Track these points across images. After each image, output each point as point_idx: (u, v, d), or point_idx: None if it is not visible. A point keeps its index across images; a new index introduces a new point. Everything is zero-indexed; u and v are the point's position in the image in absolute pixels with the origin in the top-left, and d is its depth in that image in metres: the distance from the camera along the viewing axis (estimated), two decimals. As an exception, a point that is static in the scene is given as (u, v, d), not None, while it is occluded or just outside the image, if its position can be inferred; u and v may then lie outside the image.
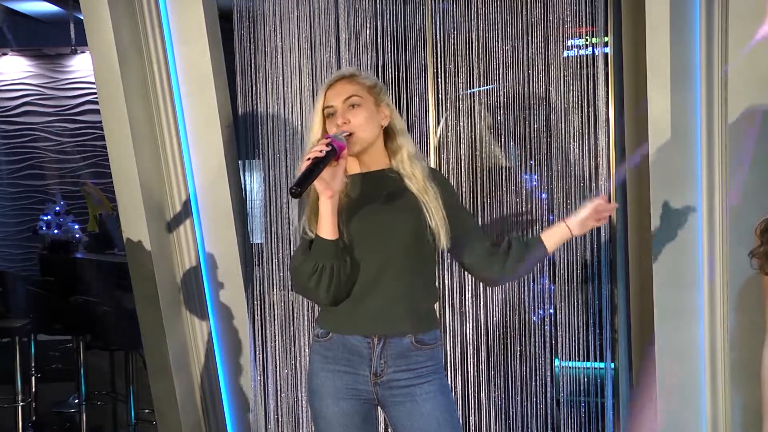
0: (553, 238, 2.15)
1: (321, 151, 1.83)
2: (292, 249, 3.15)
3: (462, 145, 3.08)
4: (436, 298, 2.11)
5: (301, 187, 1.80)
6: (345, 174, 1.93)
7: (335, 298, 1.96)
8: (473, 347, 3.11)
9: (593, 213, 2.14)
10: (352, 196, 1.99)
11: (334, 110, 2.00)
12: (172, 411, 3.25)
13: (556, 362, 3.05)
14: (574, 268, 2.99)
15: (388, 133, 2.08)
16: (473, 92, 3.07)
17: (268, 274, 3.21)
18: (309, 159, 1.83)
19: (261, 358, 3.26)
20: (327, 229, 1.89)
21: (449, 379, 3.09)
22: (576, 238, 2.95)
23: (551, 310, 3.04)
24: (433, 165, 3.10)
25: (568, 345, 3.01)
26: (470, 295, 3.07)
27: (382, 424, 2.95)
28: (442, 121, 3.10)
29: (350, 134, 1.96)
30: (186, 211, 3.24)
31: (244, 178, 3.29)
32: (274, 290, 3.21)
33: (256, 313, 3.23)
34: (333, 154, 1.85)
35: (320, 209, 1.89)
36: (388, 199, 2.02)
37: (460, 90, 3.07)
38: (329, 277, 1.90)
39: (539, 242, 2.14)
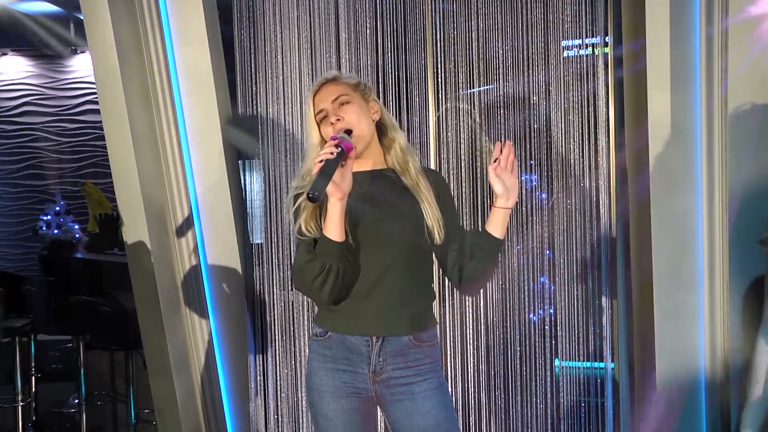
0: (491, 223, 2.00)
1: (332, 153, 1.83)
2: (292, 249, 3.15)
3: (462, 145, 3.08)
4: (434, 297, 2.11)
5: (319, 191, 1.78)
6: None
7: (337, 298, 1.96)
8: (473, 347, 3.11)
9: (498, 176, 1.98)
10: (353, 196, 1.98)
11: (326, 112, 2.03)
12: (172, 411, 3.25)
13: (556, 362, 3.05)
14: (574, 268, 2.99)
15: (380, 129, 2.10)
16: (473, 92, 3.07)
17: (268, 274, 3.21)
18: (321, 161, 1.82)
19: (261, 358, 3.26)
20: (335, 230, 1.88)
21: (449, 379, 3.09)
22: (576, 237, 2.96)
23: (551, 310, 3.04)
24: (433, 165, 3.10)
25: (568, 345, 3.01)
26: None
27: (382, 424, 2.95)
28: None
29: (350, 131, 1.97)
30: (186, 211, 3.24)
31: (244, 178, 3.29)
32: (274, 290, 3.21)
33: (256, 313, 3.23)
34: (343, 155, 1.85)
35: (329, 211, 1.88)
36: (388, 200, 2.02)
37: (460, 90, 3.07)
38: (334, 279, 1.90)
39: (483, 232, 2.02)
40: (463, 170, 3.08)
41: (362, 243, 1.97)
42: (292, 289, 3.20)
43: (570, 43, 2.97)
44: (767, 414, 2.32)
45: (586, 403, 3.02)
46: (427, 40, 3.07)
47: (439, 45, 3.07)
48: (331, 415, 2.00)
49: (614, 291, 3.00)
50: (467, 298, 3.07)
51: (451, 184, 3.03)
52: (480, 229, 2.04)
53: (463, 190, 3.07)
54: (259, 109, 3.16)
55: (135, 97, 3.11)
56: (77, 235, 5.72)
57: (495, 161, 1.98)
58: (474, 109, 3.07)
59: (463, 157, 3.08)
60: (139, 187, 3.09)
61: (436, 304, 2.12)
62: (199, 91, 3.15)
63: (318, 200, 1.79)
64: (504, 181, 1.98)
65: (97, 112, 5.96)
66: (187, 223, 3.24)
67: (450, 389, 3.05)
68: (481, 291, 3.05)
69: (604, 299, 2.97)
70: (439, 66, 3.07)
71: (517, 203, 3.02)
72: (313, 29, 3.11)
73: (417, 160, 2.11)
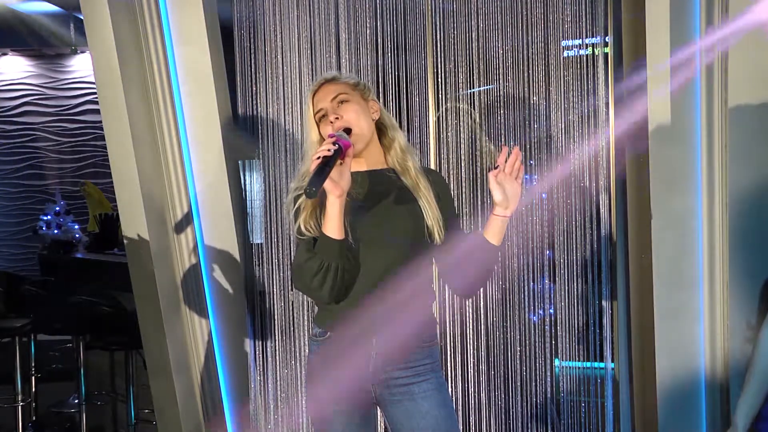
0: (489, 230, 1.99)
1: (329, 150, 1.82)
2: (292, 249, 3.15)
3: (462, 145, 3.08)
4: (434, 297, 2.11)
5: (316, 186, 1.77)
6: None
7: (337, 298, 1.95)
8: (473, 347, 3.11)
9: (499, 183, 1.94)
10: (353, 195, 1.98)
11: (325, 111, 2.03)
12: (172, 411, 3.25)
13: (556, 362, 3.05)
14: (574, 268, 2.99)
15: (380, 129, 2.11)
16: (473, 92, 3.07)
17: (268, 274, 3.21)
18: (318, 158, 1.81)
19: (261, 358, 3.26)
20: (334, 228, 1.87)
21: (449, 379, 3.09)
22: (576, 237, 2.96)
23: (551, 310, 3.04)
24: (433, 165, 3.10)
25: (568, 345, 3.01)
26: (470, 295, 3.06)
27: (382, 424, 2.95)
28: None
29: (349, 130, 1.97)
30: (186, 211, 3.24)
31: (244, 178, 3.29)
32: (274, 290, 3.21)
33: (256, 313, 3.23)
34: (340, 152, 1.85)
35: (327, 209, 1.87)
36: (389, 200, 2.02)
37: (460, 90, 3.07)
38: (333, 277, 1.89)
39: (481, 238, 2.00)
40: (463, 170, 3.08)
41: (362, 243, 1.96)
42: (292, 289, 3.20)
43: (570, 43, 2.96)
44: (760, 404, 2.33)
45: (586, 403, 3.02)
46: (427, 40, 3.07)
47: (439, 45, 3.06)
48: (330, 417, 2.00)
49: (614, 291, 3.00)
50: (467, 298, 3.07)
51: (451, 184, 3.03)
52: (479, 233, 2.03)
53: (463, 190, 3.07)
54: (259, 109, 3.16)
55: (135, 97, 3.11)
56: (77, 235, 5.72)
57: (496, 167, 1.96)
58: (474, 109, 3.07)
59: (463, 157, 3.08)
60: (139, 187, 3.09)
61: (436, 304, 2.12)
62: (199, 91, 3.15)
63: (315, 196, 1.77)
64: (505, 189, 1.95)
65: (97, 112, 5.96)
66: (187, 223, 3.24)
67: (450, 389, 3.05)
68: (480, 291, 3.05)
69: (604, 299, 2.97)
70: (439, 66, 3.07)
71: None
72: (313, 29, 3.11)
73: (417, 160, 2.11)
